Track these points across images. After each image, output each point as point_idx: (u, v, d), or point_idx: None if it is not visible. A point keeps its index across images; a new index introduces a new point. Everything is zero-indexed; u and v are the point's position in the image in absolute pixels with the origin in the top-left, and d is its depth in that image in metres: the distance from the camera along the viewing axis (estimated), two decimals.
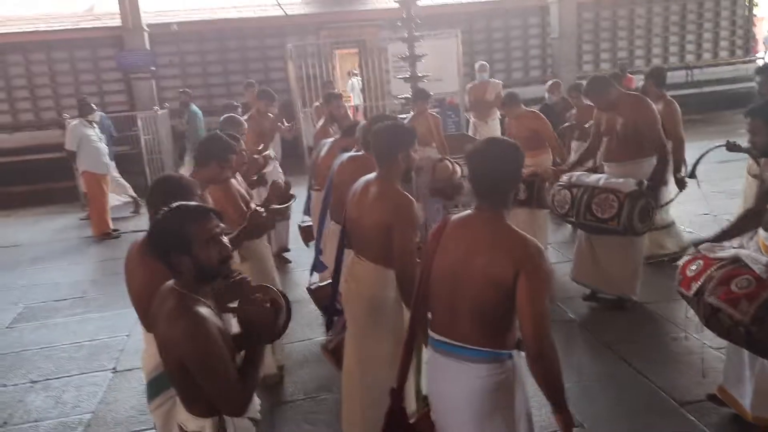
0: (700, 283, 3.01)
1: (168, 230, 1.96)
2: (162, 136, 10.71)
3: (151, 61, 12.02)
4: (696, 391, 3.62)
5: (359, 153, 4.04)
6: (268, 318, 2.05)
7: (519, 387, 2.27)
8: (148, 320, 2.43)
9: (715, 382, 3.53)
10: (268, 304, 2.07)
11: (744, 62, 14.43)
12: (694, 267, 3.13)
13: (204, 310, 1.94)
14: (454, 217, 2.36)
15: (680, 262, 3.31)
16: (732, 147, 4.48)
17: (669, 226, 5.67)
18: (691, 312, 3.18)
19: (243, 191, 3.89)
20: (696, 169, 4.46)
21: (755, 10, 15.14)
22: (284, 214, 4.52)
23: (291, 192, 4.29)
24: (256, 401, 2.19)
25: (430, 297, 2.33)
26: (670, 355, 4.17)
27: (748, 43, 14.83)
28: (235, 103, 7.35)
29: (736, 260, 2.99)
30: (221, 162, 3.51)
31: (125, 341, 5.02)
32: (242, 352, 2.07)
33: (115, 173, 9.01)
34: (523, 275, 2.07)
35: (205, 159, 3.56)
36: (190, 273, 1.97)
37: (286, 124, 7.34)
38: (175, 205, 2.02)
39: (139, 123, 10.48)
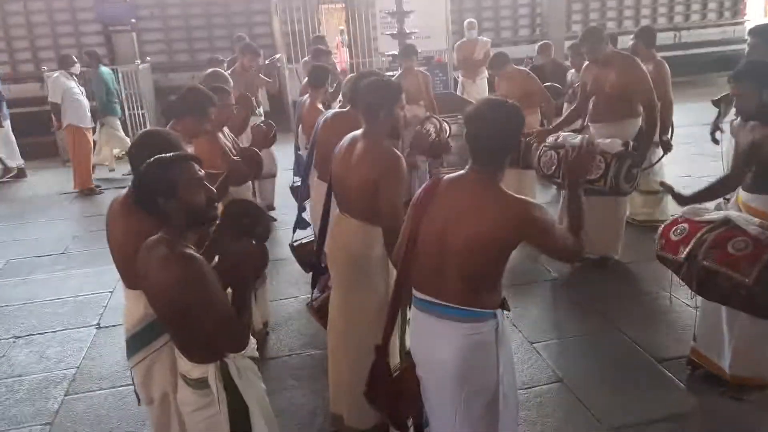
0: (690, 246, 2.97)
1: (154, 177, 2.00)
2: (144, 91, 10.49)
3: (131, 13, 11.69)
4: (673, 348, 3.70)
5: (344, 109, 3.99)
6: (256, 256, 2.14)
7: (502, 345, 2.30)
8: (130, 276, 2.42)
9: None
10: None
11: (732, 24, 14.36)
12: (678, 230, 3.09)
13: (195, 254, 2.00)
14: (446, 176, 2.33)
15: (660, 227, 3.30)
16: None
17: (657, 193, 5.57)
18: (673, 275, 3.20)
19: (230, 145, 3.84)
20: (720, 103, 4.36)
21: None
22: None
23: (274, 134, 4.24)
24: (252, 340, 2.24)
25: (417, 256, 2.33)
26: (649, 313, 4.25)
27: (736, 6, 14.72)
28: (220, 58, 7.20)
29: (726, 222, 2.95)
30: (198, 115, 3.43)
31: (109, 297, 5.01)
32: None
33: None
34: (528, 233, 2.16)
35: (181, 112, 3.47)
36: (180, 218, 2.01)
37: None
38: (157, 156, 2.06)
39: (120, 77, 10.24)
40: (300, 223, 4.38)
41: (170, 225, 2.03)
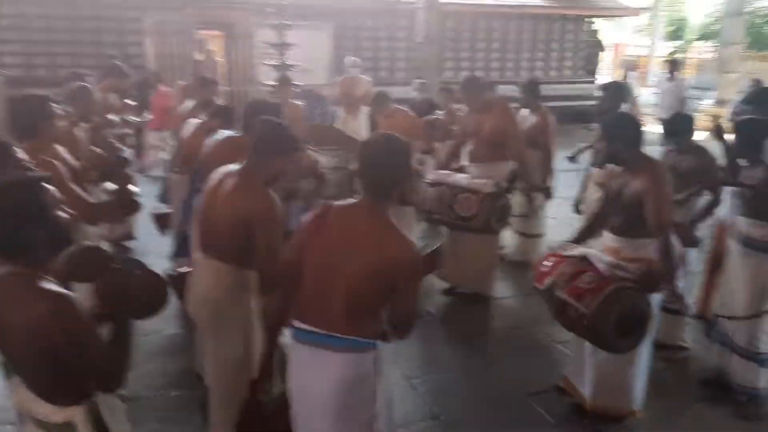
0: (552, 278, 3.22)
1: (20, 203, 1.76)
2: None
3: None
4: (543, 382, 3.83)
5: (236, 134, 3.75)
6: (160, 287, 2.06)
7: (379, 377, 2.30)
8: None
9: (559, 372, 3.76)
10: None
11: (585, 82, 15.82)
12: (548, 263, 3.34)
13: (59, 288, 1.78)
14: (337, 204, 2.32)
15: (536, 260, 3.50)
16: None
17: (539, 237, 5.86)
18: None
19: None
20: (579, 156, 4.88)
21: (600, 36, 16.71)
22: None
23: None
24: None
25: (301, 284, 2.26)
26: (520, 347, 4.40)
27: (588, 66, 16.30)
28: (81, 72, 6.65)
29: (583, 258, 3.21)
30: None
31: None
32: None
33: None
34: (403, 277, 2.16)
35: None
36: (46, 245, 1.80)
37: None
38: (8, 180, 1.84)
39: None
40: (180, 251, 4.03)
41: (32, 257, 1.78)
